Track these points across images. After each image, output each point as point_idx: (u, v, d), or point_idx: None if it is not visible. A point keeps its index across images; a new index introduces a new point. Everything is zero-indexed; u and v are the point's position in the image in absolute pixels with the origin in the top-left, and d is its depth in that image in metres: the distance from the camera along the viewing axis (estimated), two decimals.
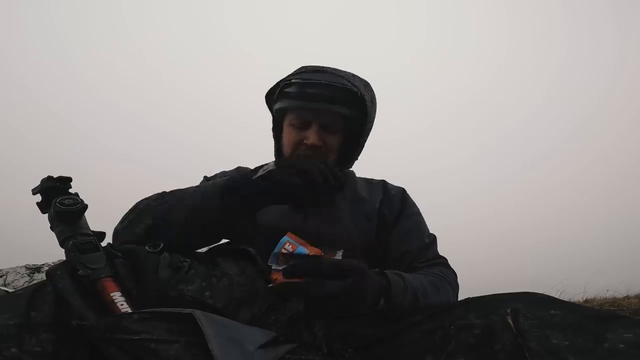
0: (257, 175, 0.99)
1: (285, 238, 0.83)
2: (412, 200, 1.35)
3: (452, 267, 1.21)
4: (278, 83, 1.25)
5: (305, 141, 1.18)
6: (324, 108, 1.16)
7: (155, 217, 1.01)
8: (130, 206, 1.08)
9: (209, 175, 1.35)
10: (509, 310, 0.72)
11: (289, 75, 1.25)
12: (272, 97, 1.28)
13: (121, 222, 1.07)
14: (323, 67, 1.23)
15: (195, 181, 1.34)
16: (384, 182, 1.38)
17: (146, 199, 1.09)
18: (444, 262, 1.21)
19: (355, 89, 1.17)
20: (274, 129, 1.31)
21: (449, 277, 1.13)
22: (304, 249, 0.83)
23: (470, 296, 0.84)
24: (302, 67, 1.26)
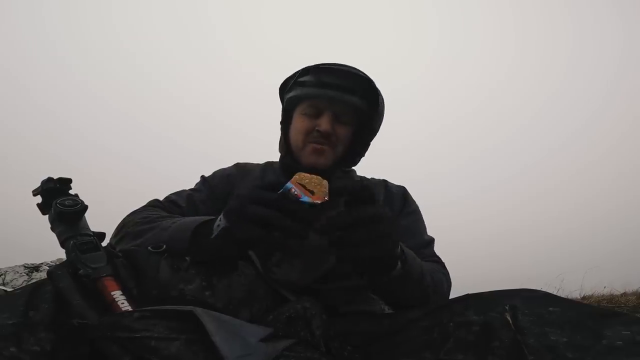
0: (215, 230, 0.85)
1: (288, 185, 0.78)
2: (412, 198, 1.35)
3: (446, 268, 1.21)
4: (294, 74, 1.27)
5: (317, 127, 1.18)
6: (338, 97, 1.18)
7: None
8: (120, 210, 1.10)
9: (206, 175, 1.34)
10: (507, 307, 0.72)
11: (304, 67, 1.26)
12: (286, 87, 1.29)
13: (114, 236, 1.06)
14: (338, 63, 1.24)
15: (190, 180, 1.34)
16: (384, 181, 1.38)
17: (133, 217, 1.08)
18: (438, 261, 1.21)
19: (370, 79, 1.21)
20: (282, 122, 1.31)
21: (443, 270, 1.15)
22: (308, 198, 0.77)
23: (470, 293, 0.84)
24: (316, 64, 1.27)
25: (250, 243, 0.80)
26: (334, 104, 1.19)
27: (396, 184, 1.39)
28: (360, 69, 1.25)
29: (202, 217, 0.95)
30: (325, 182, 0.81)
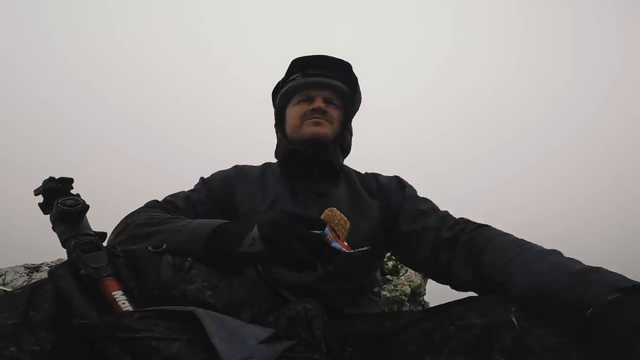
0: (246, 246, 0.85)
1: (326, 230, 0.84)
2: (407, 182, 1.31)
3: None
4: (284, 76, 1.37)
5: (311, 107, 1.27)
6: (326, 83, 1.29)
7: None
8: (120, 213, 1.09)
9: (205, 177, 1.33)
10: (511, 309, 0.72)
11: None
12: (278, 90, 1.38)
13: (114, 237, 1.03)
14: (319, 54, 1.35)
15: (190, 180, 1.35)
16: (375, 174, 1.36)
17: (136, 218, 1.05)
18: (484, 224, 1.06)
19: (350, 65, 1.33)
20: (277, 124, 1.38)
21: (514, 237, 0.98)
22: (337, 245, 0.83)
23: (471, 296, 0.84)
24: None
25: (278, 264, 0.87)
26: (323, 89, 1.30)
27: (387, 175, 1.36)
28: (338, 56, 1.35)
29: (214, 220, 0.94)
30: (348, 225, 0.94)
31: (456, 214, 1.16)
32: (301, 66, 1.34)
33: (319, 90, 1.30)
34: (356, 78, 1.35)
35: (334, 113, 1.31)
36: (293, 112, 1.31)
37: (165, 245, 0.85)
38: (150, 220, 1.02)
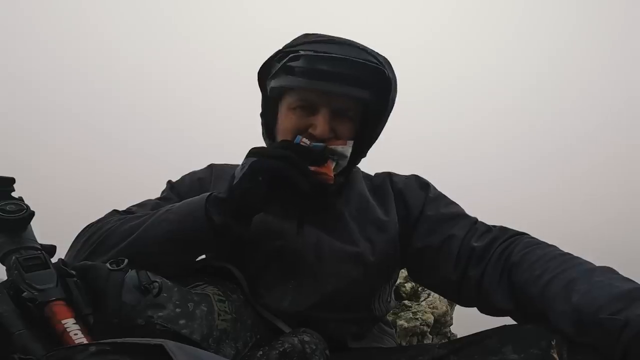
0: (238, 174, 0.90)
1: (297, 139, 0.96)
2: (427, 181, 1.16)
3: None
4: (277, 53, 1.05)
5: (310, 130, 0.98)
6: (337, 90, 0.95)
7: (128, 243, 0.91)
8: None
9: (173, 180, 1.21)
10: (552, 342, 0.67)
11: (291, 45, 1.04)
12: (269, 71, 1.05)
13: (79, 249, 0.94)
14: (337, 37, 1.02)
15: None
16: (389, 175, 1.19)
17: (101, 222, 0.98)
18: (520, 233, 0.97)
19: (382, 68, 0.98)
20: (263, 114, 1.12)
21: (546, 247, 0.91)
22: (319, 145, 0.96)
23: (506, 325, 0.79)
24: (308, 35, 1.06)
25: (273, 174, 0.87)
26: (332, 98, 0.98)
27: (403, 175, 1.19)
28: (368, 48, 1.04)
29: (200, 195, 0.94)
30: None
31: (474, 204, 1.07)
32: (310, 46, 1.00)
33: (327, 97, 0.98)
34: (389, 82, 1.02)
35: (344, 131, 1.01)
36: (286, 120, 1.03)
37: (127, 261, 0.75)
38: (122, 222, 0.96)
